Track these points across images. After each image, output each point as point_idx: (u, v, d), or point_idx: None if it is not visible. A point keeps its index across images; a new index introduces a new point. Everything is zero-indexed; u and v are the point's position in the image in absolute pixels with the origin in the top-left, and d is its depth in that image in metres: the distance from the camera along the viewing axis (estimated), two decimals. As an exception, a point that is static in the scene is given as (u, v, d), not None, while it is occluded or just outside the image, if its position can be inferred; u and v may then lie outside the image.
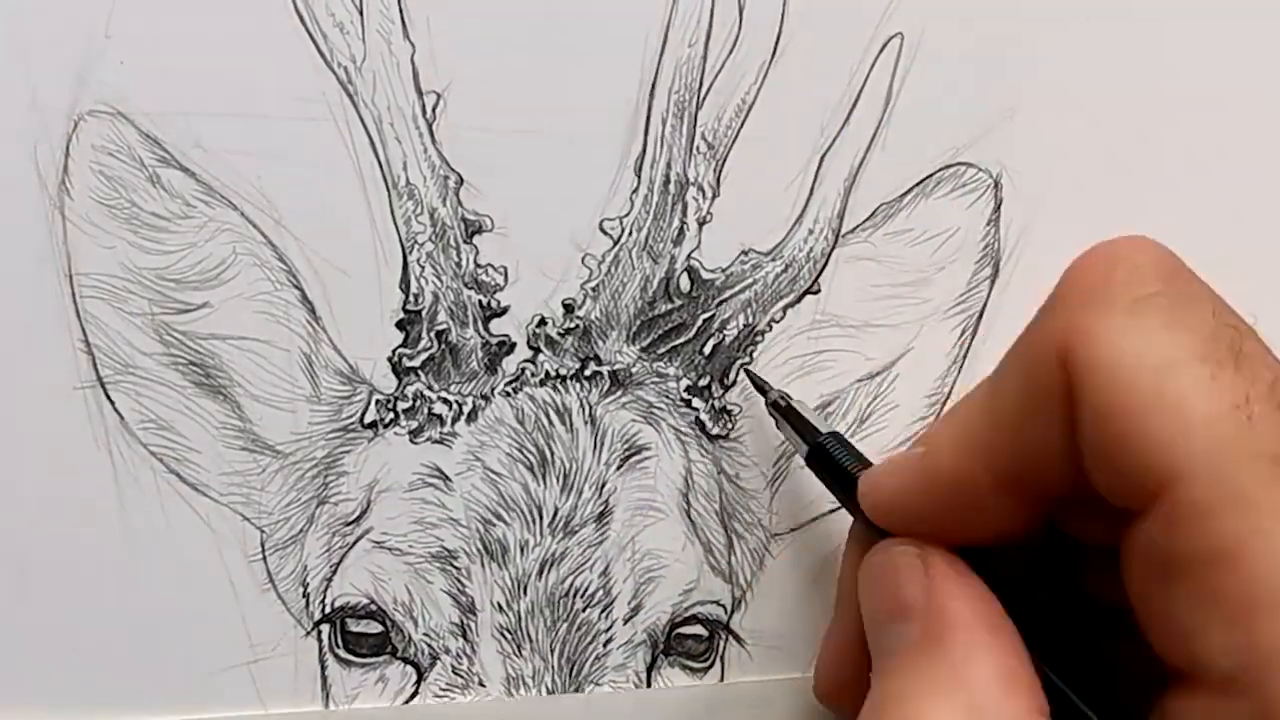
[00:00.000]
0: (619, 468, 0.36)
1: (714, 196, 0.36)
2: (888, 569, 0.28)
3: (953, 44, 0.37)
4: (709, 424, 0.37)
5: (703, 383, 0.37)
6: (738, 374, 0.37)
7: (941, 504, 0.27)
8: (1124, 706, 0.25)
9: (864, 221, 0.37)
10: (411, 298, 0.34)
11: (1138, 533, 0.24)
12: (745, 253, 0.36)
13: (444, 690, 0.35)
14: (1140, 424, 0.23)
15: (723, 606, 0.37)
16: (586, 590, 0.36)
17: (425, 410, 0.35)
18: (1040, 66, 0.38)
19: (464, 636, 0.35)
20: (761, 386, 0.36)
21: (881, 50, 0.36)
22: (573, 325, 0.36)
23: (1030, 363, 0.25)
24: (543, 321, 0.35)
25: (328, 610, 0.35)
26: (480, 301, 0.35)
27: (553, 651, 0.36)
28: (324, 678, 0.35)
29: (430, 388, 0.35)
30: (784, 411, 0.35)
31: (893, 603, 0.27)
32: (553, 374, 0.36)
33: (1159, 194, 0.38)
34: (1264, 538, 0.21)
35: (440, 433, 0.35)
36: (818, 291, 0.37)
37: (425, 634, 0.35)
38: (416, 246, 0.34)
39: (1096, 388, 0.23)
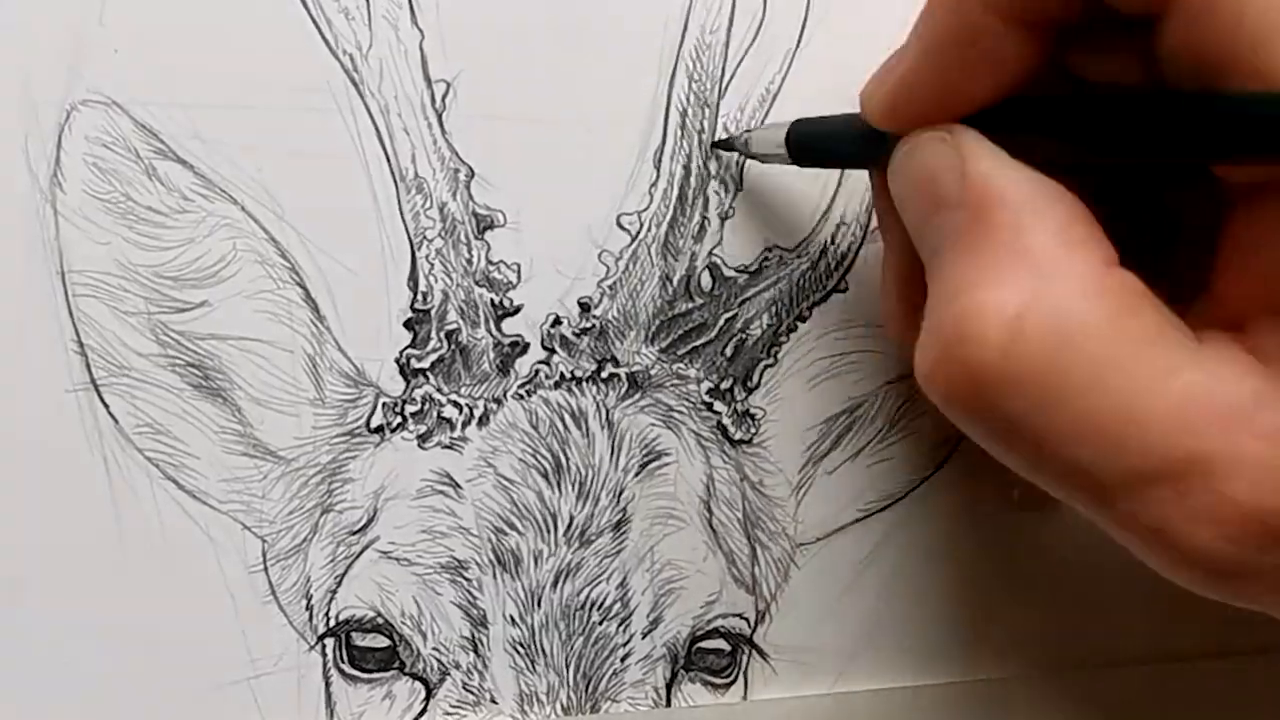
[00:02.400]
0: (637, 474, 0.36)
1: (737, 190, 0.36)
2: (918, 162, 0.27)
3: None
4: (731, 428, 0.36)
5: (725, 385, 0.36)
6: (761, 376, 0.36)
7: (952, 70, 0.26)
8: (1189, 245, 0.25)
9: (893, 216, 0.36)
10: (420, 296, 0.34)
11: (1164, 33, 0.23)
12: (769, 249, 0.36)
13: (454, 707, 0.35)
14: None
15: (746, 619, 0.37)
16: (603, 602, 0.35)
17: (434, 414, 0.34)
18: None
19: (475, 651, 0.35)
20: (728, 144, 0.35)
21: (912, 37, 0.36)
22: (589, 325, 0.35)
23: None
24: (557, 321, 0.35)
25: (332, 623, 0.34)
26: (492, 300, 0.34)
27: (568, 667, 0.35)
28: (328, 694, 0.35)
29: (440, 390, 0.34)
30: (752, 145, 0.34)
31: (931, 195, 0.26)
32: (568, 376, 0.35)
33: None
34: None
35: (450, 437, 0.35)
36: (845, 290, 0.37)
37: (434, 648, 0.35)
38: (425, 242, 0.34)
39: None
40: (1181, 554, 0.22)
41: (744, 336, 0.36)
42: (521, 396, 0.35)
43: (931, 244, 0.26)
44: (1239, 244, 0.24)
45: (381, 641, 0.35)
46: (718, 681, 0.37)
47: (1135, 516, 0.22)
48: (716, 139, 0.35)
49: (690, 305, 0.36)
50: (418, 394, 0.34)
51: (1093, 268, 0.23)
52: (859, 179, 0.36)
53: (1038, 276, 0.23)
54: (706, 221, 0.35)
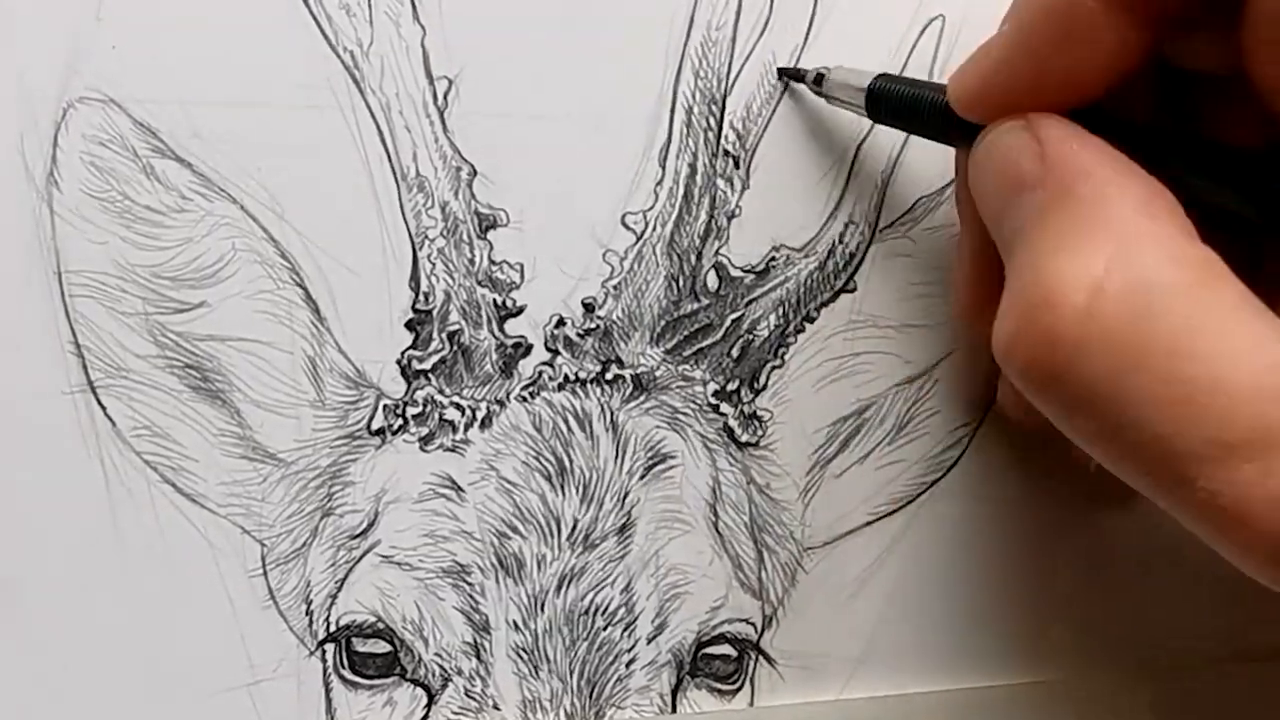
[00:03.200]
0: (642, 477, 0.35)
1: (743, 189, 0.35)
2: (997, 151, 0.27)
3: (996, 27, 0.35)
4: (738, 431, 0.36)
5: (731, 387, 0.36)
6: (768, 378, 0.36)
7: (1049, 60, 0.26)
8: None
9: (902, 216, 0.37)
10: (422, 297, 0.34)
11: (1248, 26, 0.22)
12: (776, 249, 0.36)
13: (456, 714, 0.35)
14: None
15: (752, 625, 0.36)
16: (607, 607, 0.35)
17: (436, 416, 0.34)
18: None
19: (477, 657, 0.35)
20: (797, 74, 0.35)
21: (921, 34, 0.36)
22: (593, 326, 0.35)
23: None
24: (561, 322, 0.35)
25: (332, 629, 0.34)
26: (495, 300, 0.34)
27: (572, 673, 0.35)
28: (328, 700, 0.34)
29: (442, 392, 0.34)
30: (826, 85, 0.34)
31: (1010, 178, 0.26)
32: (572, 377, 0.35)
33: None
34: None
35: (452, 440, 0.34)
36: (854, 290, 0.36)
37: (436, 654, 0.35)
38: (427, 242, 0.34)
39: None
40: (1260, 538, 0.21)
41: (751, 337, 0.36)
42: (525, 398, 0.35)
43: (1011, 227, 0.26)
44: None
45: (382, 647, 0.34)
46: (724, 688, 0.36)
47: (1213, 496, 0.21)
48: (784, 66, 0.35)
49: (696, 306, 0.35)
50: (419, 396, 0.34)
51: (1175, 239, 0.23)
52: (868, 179, 0.36)
53: (1120, 244, 0.23)
54: (713, 221, 0.35)
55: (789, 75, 0.35)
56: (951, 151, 0.33)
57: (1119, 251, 0.23)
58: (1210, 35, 0.25)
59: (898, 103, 0.32)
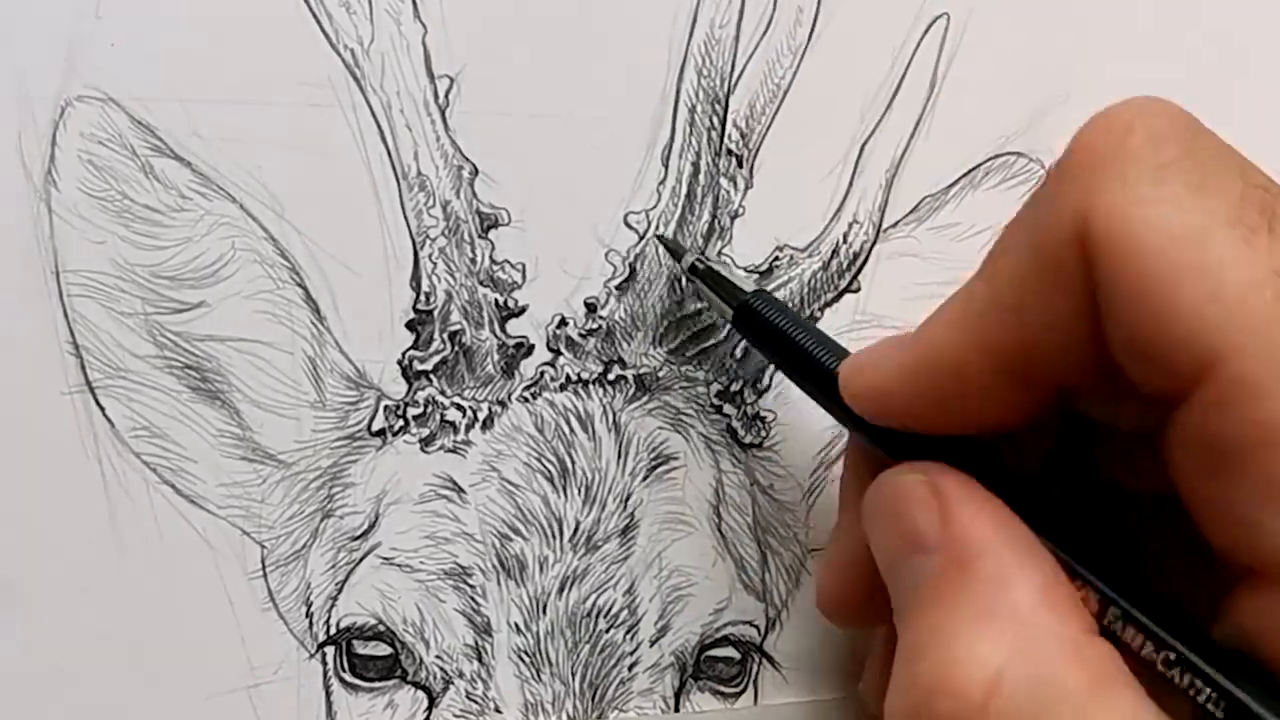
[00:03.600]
0: (645, 478, 0.35)
1: (746, 189, 0.35)
2: (895, 499, 0.26)
3: (1002, 25, 0.37)
4: (741, 431, 0.36)
5: (734, 388, 0.36)
6: (771, 378, 0.36)
7: (935, 393, 0.26)
8: (1175, 601, 0.24)
9: (907, 215, 0.37)
10: (423, 296, 0.34)
11: (1180, 421, 0.22)
12: (780, 249, 0.36)
13: (457, 717, 0.35)
14: (1175, 300, 0.21)
15: (756, 627, 0.36)
16: (610, 610, 0.35)
17: (437, 417, 0.34)
18: (1094, 48, 0.37)
19: (479, 659, 0.34)
20: (675, 250, 0.34)
21: (926, 32, 0.36)
22: (595, 326, 0.35)
23: (1038, 242, 0.23)
24: (563, 322, 0.35)
25: (333, 631, 0.34)
26: (496, 300, 0.34)
27: (574, 675, 0.35)
28: (329, 703, 0.34)
29: (443, 393, 0.34)
30: (703, 275, 0.33)
31: (907, 536, 0.26)
32: (574, 378, 0.35)
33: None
34: None
35: (453, 441, 0.34)
36: (858, 290, 0.36)
37: (437, 656, 0.34)
38: (428, 241, 0.33)
39: (1123, 265, 0.22)
40: None
41: (754, 338, 0.36)
42: (526, 399, 0.34)
43: (905, 584, 0.26)
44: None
45: (383, 649, 0.34)
46: (727, 690, 0.36)
47: None
48: (663, 235, 0.35)
49: (699, 306, 0.35)
50: (420, 396, 0.34)
51: (1074, 633, 0.23)
52: (872, 178, 0.36)
53: (1020, 635, 0.23)
54: (716, 220, 0.35)
55: (667, 245, 0.35)
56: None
57: (1018, 647, 0.22)
58: (1114, 400, 0.25)
59: (777, 340, 0.31)
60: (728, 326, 0.35)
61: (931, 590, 0.25)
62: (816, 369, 0.30)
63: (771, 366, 0.36)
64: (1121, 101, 0.24)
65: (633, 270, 0.35)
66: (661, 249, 0.35)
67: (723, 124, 0.35)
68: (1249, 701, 0.21)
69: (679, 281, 0.35)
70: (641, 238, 0.35)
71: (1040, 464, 0.28)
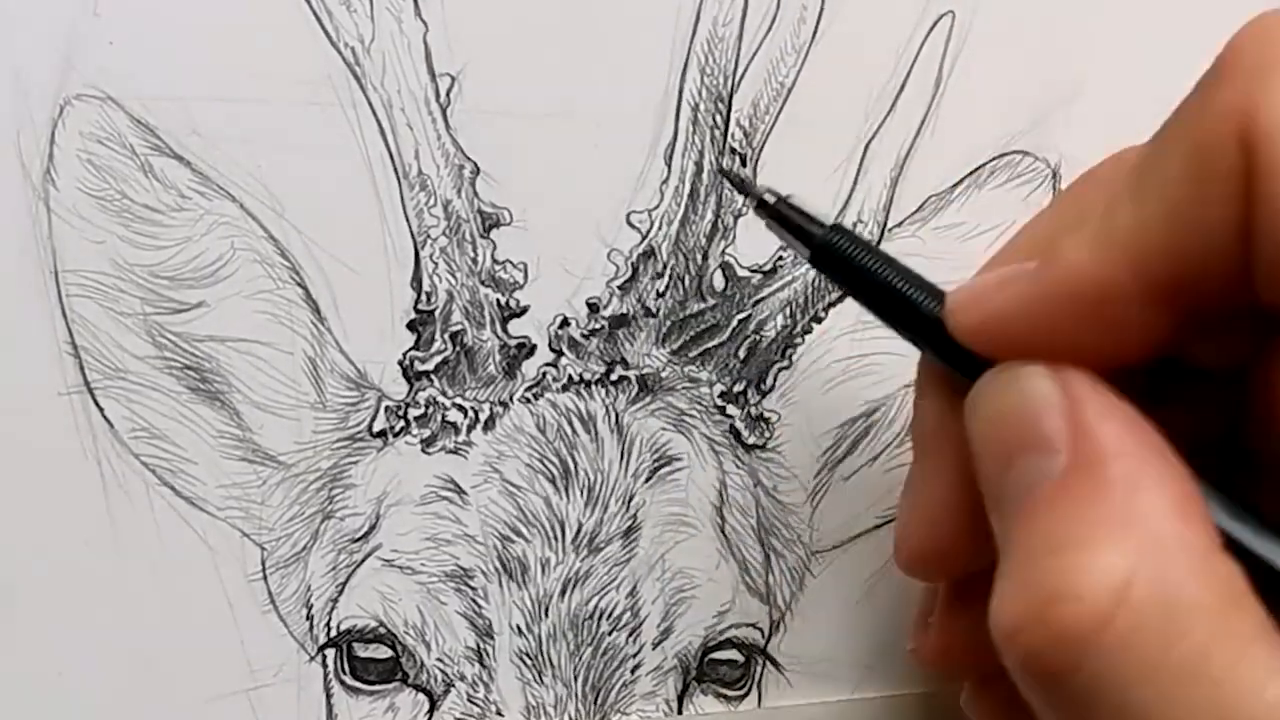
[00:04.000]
0: (648, 480, 0.35)
1: None
2: (1015, 395, 0.25)
3: (1008, 23, 0.36)
4: (745, 433, 0.36)
5: (738, 388, 0.36)
6: (775, 379, 0.36)
7: (1073, 321, 0.24)
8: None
9: (912, 214, 0.37)
10: (424, 297, 0.33)
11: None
12: (784, 248, 0.36)
13: None
14: None
15: (760, 630, 0.36)
16: (613, 612, 0.35)
17: (439, 418, 0.34)
18: (1101, 47, 0.37)
19: (480, 662, 0.34)
20: (743, 185, 0.33)
21: (931, 29, 0.36)
22: (598, 326, 0.35)
23: (1195, 146, 0.22)
24: (565, 322, 0.34)
25: (333, 633, 0.34)
26: (498, 300, 0.34)
27: (576, 678, 0.35)
28: (329, 706, 0.34)
29: (444, 393, 0.34)
30: (774, 212, 0.30)
31: (1027, 435, 0.24)
32: (576, 378, 0.35)
33: None
34: None
35: (455, 442, 0.34)
36: None
37: (438, 659, 0.34)
38: (429, 241, 0.33)
39: None
40: None
41: (758, 338, 0.36)
42: (528, 400, 0.34)
43: (1017, 485, 0.24)
44: None
45: (384, 652, 0.34)
46: (731, 693, 0.36)
47: None
48: (729, 169, 0.34)
49: (702, 306, 0.35)
50: (421, 397, 0.34)
51: (1205, 552, 0.22)
52: (876, 177, 0.36)
53: (1151, 546, 0.22)
54: (719, 220, 0.35)
55: (731, 181, 0.34)
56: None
57: (1149, 557, 0.22)
58: (1227, 337, 0.25)
59: (860, 274, 0.29)
60: (731, 327, 0.35)
61: (1053, 492, 0.23)
62: (908, 306, 0.28)
63: (776, 367, 0.36)
64: (1274, 9, 0.23)
65: (635, 270, 0.34)
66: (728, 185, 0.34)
67: (726, 123, 0.35)
68: None
69: (682, 280, 0.35)
70: (644, 237, 0.34)
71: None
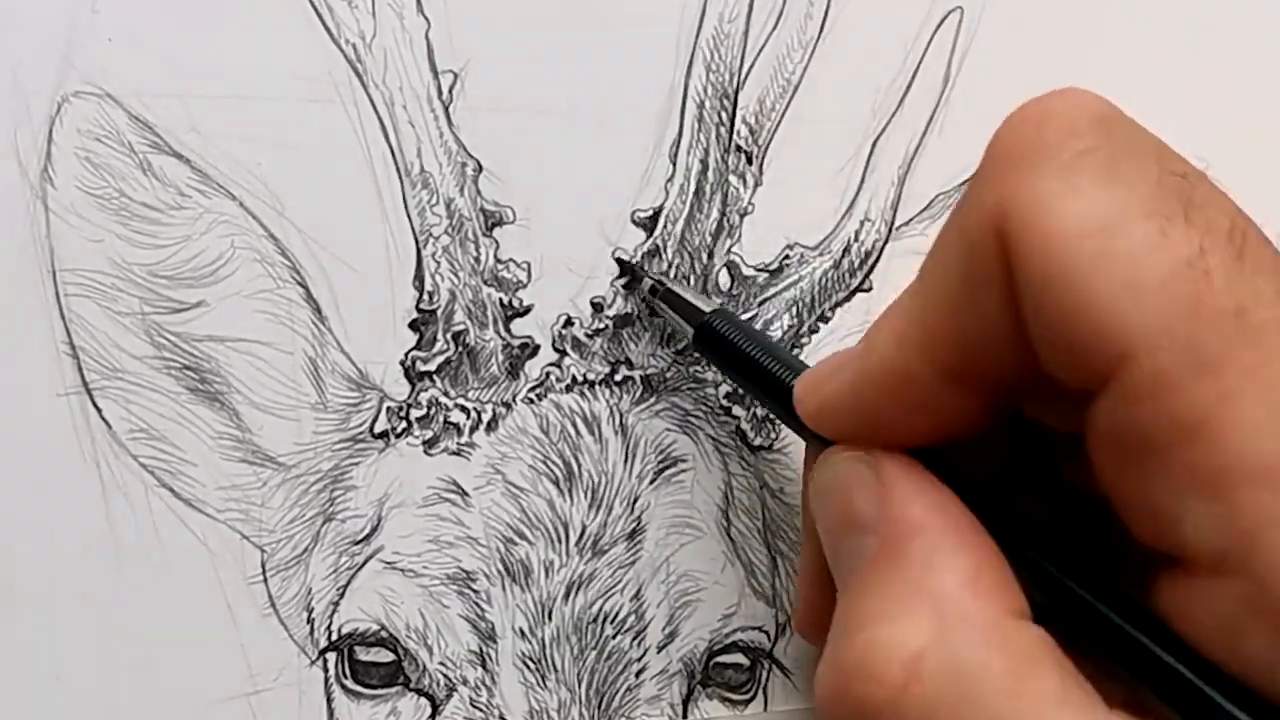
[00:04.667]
0: (652, 481, 0.35)
1: (756, 186, 0.35)
2: (837, 481, 0.27)
3: (1016, 19, 0.36)
4: (751, 434, 0.36)
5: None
6: None
7: (884, 404, 0.26)
8: (1121, 594, 0.24)
9: (920, 213, 0.36)
10: (426, 296, 0.33)
11: (1098, 413, 0.22)
12: (790, 247, 0.35)
13: None
14: (1086, 293, 0.21)
15: (766, 633, 0.36)
16: (617, 615, 0.35)
17: (441, 419, 0.34)
18: (1111, 44, 0.37)
19: (483, 666, 0.34)
20: (633, 273, 0.34)
21: (939, 26, 0.36)
22: (602, 326, 0.34)
23: (963, 239, 0.24)
24: (569, 322, 0.34)
25: (334, 637, 0.34)
26: (501, 300, 0.34)
27: (580, 682, 0.35)
28: (330, 711, 0.34)
29: (446, 394, 0.34)
30: (663, 296, 0.33)
31: (846, 517, 0.26)
32: (580, 379, 0.34)
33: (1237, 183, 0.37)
34: (1234, 403, 0.20)
35: (457, 443, 0.34)
36: (869, 289, 0.36)
37: (441, 663, 0.34)
38: (431, 240, 0.33)
39: (1035, 258, 0.22)
40: None
41: (764, 338, 0.35)
42: (532, 400, 0.34)
43: (844, 565, 0.26)
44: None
45: (385, 656, 0.34)
46: (736, 698, 0.36)
47: None
48: (623, 259, 0.34)
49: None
50: (423, 398, 0.34)
51: (998, 618, 0.23)
52: (884, 175, 0.36)
53: (942, 618, 0.23)
54: (725, 218, 0.35)
55: (623, 270, 0.34)
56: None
57: (938, 630, 0.23)
58: (1050, 401, 0.25)
59: (722, 354, 0.31)
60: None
61: (864, 572, 0.25)
62: (775, 385, 0.30)
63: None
64: (1039, 96, 0.24)
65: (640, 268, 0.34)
66: (617, 274, 0.34)
67: (732, 120, 0.34)
68: (1186, 672, 0.22)
69: (688, 279, 0.35)
70: (649, 236, 0.34)
71: (1002, 471, 0.28)
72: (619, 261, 0.34)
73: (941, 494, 0.25)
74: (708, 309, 0.32)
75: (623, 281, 0.34)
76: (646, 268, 0.34)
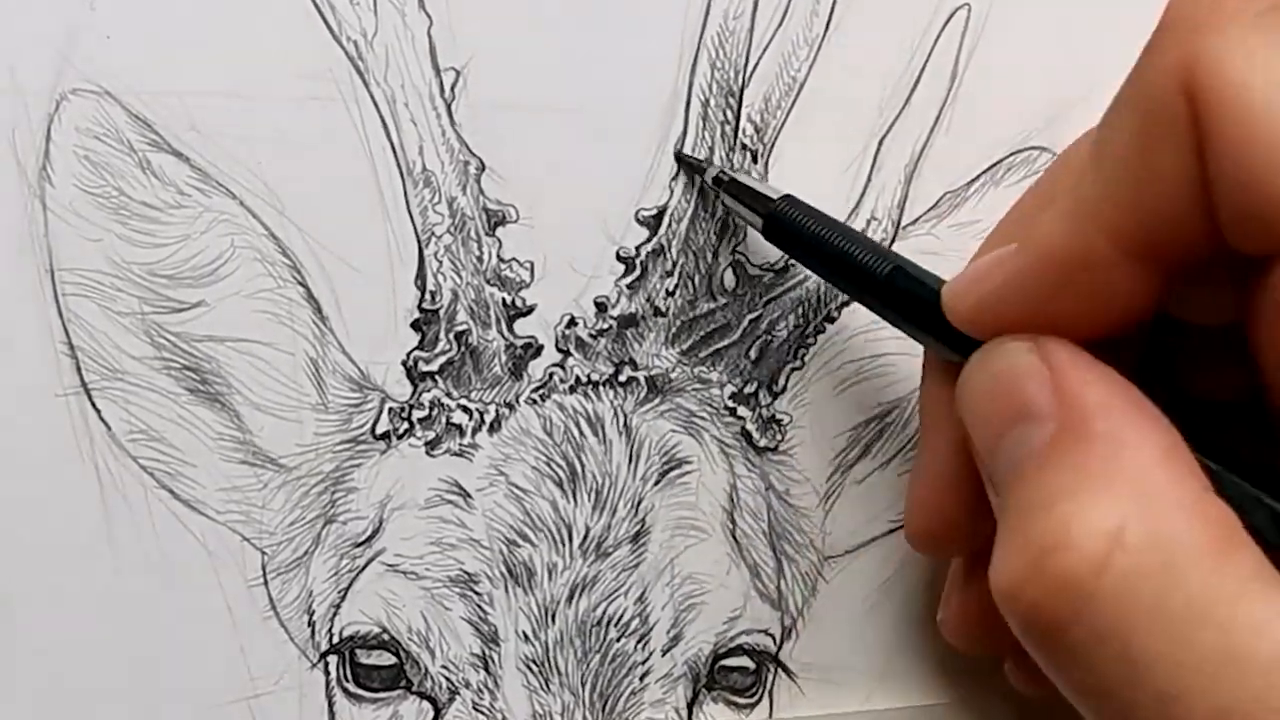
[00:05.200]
0: (657, 483, 0.35)
1: None
2: (1000, 371, 0.26)
3: (1024, 17, 0.36)
4: (756, 435, 0.35)
5: (749, 389, 0.35)
6: (787, 380, 0.36)
7: (1054, 294, 0.25)
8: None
9: (927, 212, 0.36)
10: (428, 296, 0.33)
11: (1274, 284, 0.22)
12: (795, 246, 0.35)
13: None
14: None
15: (771, 636, 0.36)
16: (621, 618, 0.35)
17: (443, 420, 0.33)
18: (1120, 42, 0.36)
19: (486, 669, 0.34)
20: (697, 165, 0.34)
21: (946, 23, 0.36)
22: (606, 326, 0.34)
23: (1147, 101, 0.23)
24: (573, 322, 0.34)
25: (335, 640, 0.33)
26: (504, 300, 0.33)
27: (584, 686, 0.34)
28: (332, 714, 0.34)
29: (449, 395, 0.33)
30: (728, 187, 0.33)
31: (1014, 406, 0.25)
32: (584, 379, 0.34)
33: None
34: None
35: (460, 444, 0.34)
36: None
37: (443, 666, 0.34)
38: (433, 239, 0.33)
39: (1228, 116, 0.21)
40: None
41: (769, 338, 0.35)
42: (535, 401, 0.34)
43: (1009, 455, 0.25)
44: None
45: (387, 659, 0.34)
46: (742, 701, 0.36)
47: None
48: (681, 153, 0.34)
49: (712, 305, 0.35)
50: (425, 398, 0.33)
51: (1196, 496, 0.22)
52: (891, 174, 0.35)
53: (1141, 496, 0.22)
54: (730, 216, 0.34)
55: (685, 163, 0.34)
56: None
57: (1139, 504, 0.22)
58: (1211, 290, 0.25)
59: (824, 247, 0.31)
60: (742, 327, 0.35)
61: (1043, 455, 0.24)
62: (854, 269, 0.30)
63: (788, 368, 0.35)
64: None
65: (644, 269, 0.34)
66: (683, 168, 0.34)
67: (737, 118, 0.34)
68: None
69: (692, 278, 0.34)
70: (653, 235, 0.34)
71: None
72: (678, 156, 0.34)
73: (1116, 376, 0.24)
74: (775, 196, 0.31)
75: (680, 179, 0.34)
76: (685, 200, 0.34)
